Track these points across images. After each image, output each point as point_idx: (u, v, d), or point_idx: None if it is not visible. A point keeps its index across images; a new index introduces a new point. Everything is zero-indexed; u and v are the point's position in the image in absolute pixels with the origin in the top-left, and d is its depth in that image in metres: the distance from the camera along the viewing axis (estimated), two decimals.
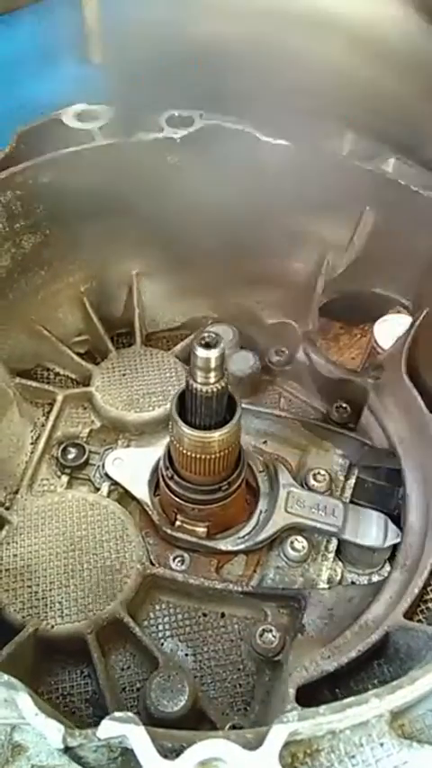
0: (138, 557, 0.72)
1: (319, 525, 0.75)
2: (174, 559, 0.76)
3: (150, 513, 0.76)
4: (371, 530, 0.75)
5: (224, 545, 0.75)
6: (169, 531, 0.75)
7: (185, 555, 0.76)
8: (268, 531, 0.75)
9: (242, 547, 0.75)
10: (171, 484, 0.73)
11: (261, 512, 0.77)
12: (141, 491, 0.78)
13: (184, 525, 0.75)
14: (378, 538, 0.74)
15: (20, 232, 0.80)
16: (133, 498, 0.79)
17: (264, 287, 0.96)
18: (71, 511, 0.76)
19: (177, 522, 0.75)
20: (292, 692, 0.56)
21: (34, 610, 0.69)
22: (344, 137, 0.83)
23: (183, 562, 0.76)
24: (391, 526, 0.75)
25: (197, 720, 0.63)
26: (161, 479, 0.75)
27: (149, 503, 0.77)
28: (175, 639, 0.72)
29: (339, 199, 0.82)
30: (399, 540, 0.74)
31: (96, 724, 0.42)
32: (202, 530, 0.75)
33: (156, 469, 0.77)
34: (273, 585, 0.75)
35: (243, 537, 0.76)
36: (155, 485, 0.78)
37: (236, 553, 0.77)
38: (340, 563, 0.78)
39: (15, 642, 0.64)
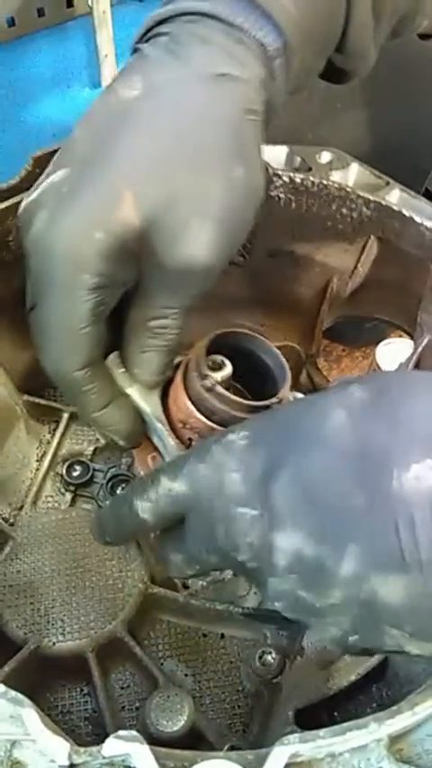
0: (140, 576, 0.73)
1: None
2: None
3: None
4: None
5: None
6: None
7: None
8: None
9: None
10: None
11: None
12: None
13: None
14: None
15: None
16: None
17: (268, 309, 0.98)
18: (75, 528, 0.77)
19: None
20: (291, 714, 0.57)
21: (36, 627, 0.69)
22: (349, 167, 0.85)
23: None
24: None
25: (196, 741, 0.64)
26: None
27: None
28: (175, 660, 0.72)
29: (345, 228, 0.84)
30: None
31: (95, 742, 0.42)
32: None
33: None
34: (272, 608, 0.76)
35: None
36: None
37: None
38: None
39: (17, 659, 0.65)
